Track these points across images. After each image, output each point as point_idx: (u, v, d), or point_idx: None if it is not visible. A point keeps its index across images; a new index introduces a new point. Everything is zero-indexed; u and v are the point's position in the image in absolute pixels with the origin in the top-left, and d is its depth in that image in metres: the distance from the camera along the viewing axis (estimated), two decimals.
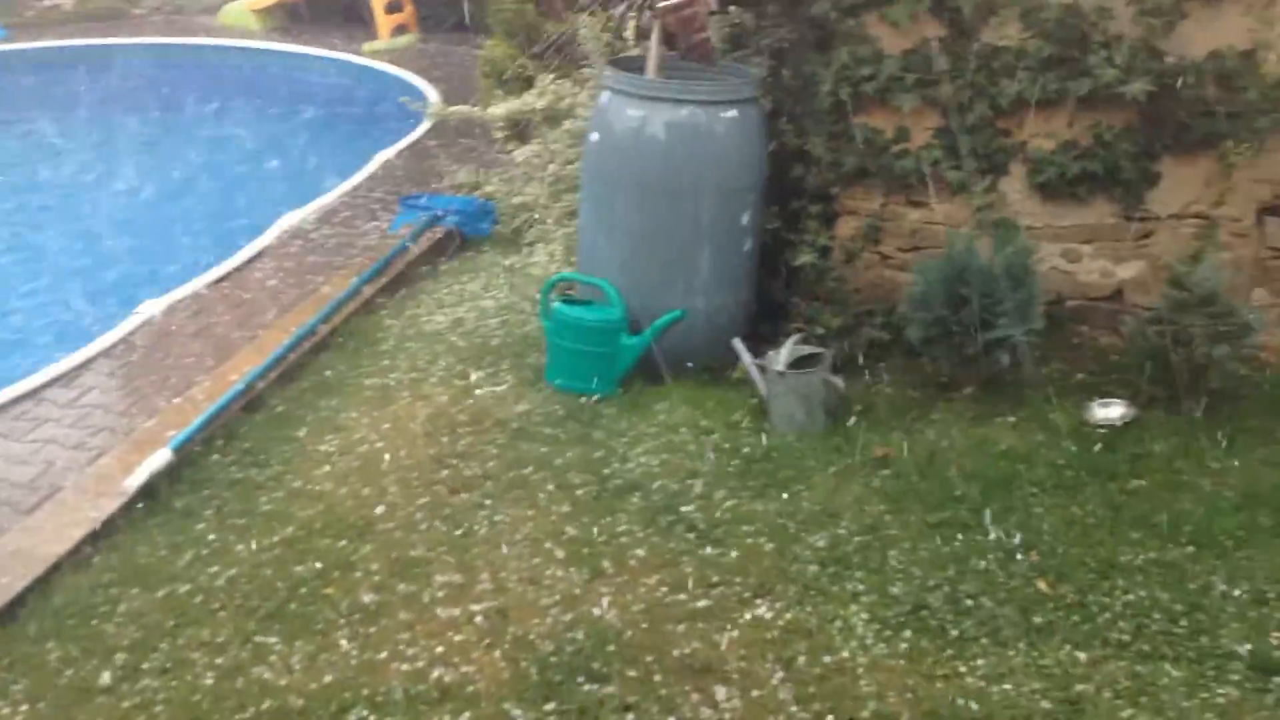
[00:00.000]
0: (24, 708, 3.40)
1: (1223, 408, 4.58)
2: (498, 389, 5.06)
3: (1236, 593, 3.63)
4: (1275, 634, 3.44)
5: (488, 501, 4.27)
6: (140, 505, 4.32)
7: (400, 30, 12.56)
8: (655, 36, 5.14)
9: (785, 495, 4.23)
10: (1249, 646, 3.39)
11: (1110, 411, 4.61)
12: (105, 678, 3.49)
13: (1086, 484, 4.23)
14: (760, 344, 4.97)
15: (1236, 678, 3.31)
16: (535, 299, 5.54)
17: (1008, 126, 4.95)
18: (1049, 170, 4.96)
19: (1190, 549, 3.86)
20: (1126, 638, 3.49)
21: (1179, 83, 4.70)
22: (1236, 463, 4.29)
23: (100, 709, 3.39)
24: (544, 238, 6.36)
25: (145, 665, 3.54)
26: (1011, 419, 4.66)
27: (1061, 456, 4.40)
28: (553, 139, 6.74)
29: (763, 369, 4.77)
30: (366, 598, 3.78)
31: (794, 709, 3.28)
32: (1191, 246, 4.95)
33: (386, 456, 4.58)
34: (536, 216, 6.56)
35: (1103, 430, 4.54)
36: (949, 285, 4.68)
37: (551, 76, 7.25)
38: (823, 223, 5.19)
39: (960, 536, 3.97)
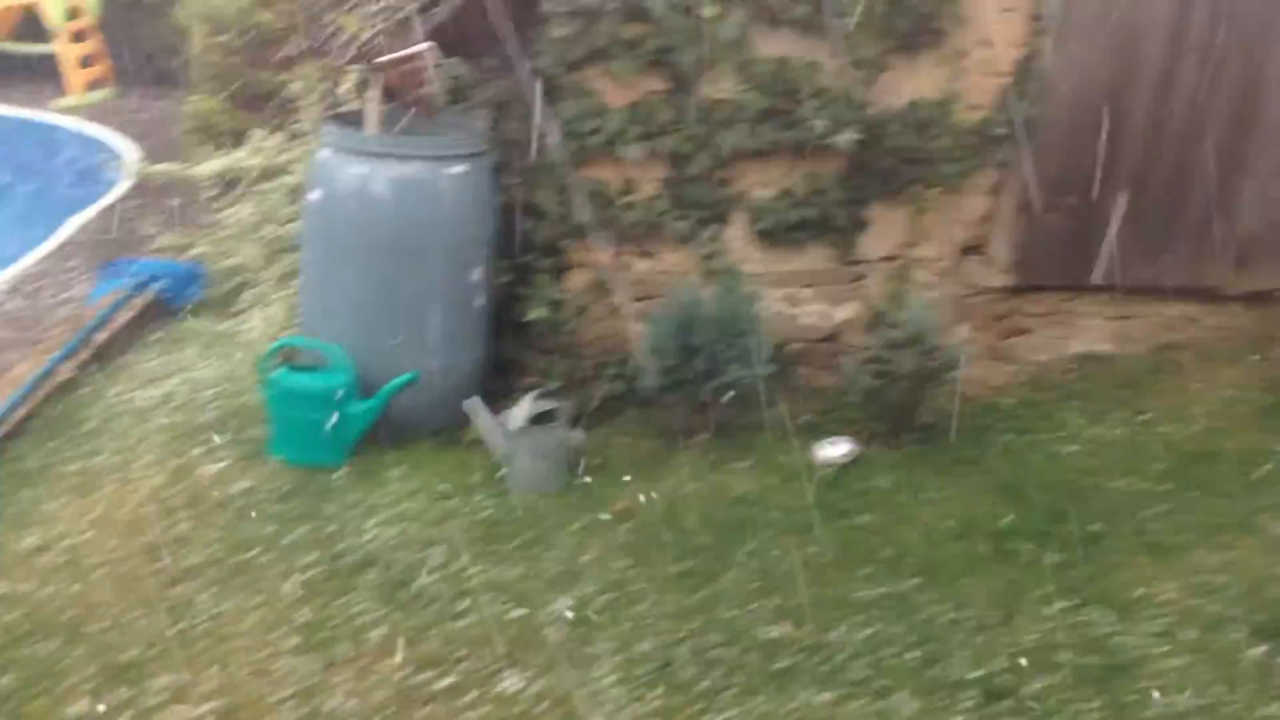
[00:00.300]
0: None
1: (937, 440, 4.83)
2: (217, 466, 4.75)
3: (963, 620, 3.79)
4: (1000, 659, 3.61)
5: (211, 590, 3.99)
6: None
7: (95, 85, 11.82)
8: (375, 91, 5.01)
9: (528, 557, 4.16)
10: (979, 673, 3.55)
11: (836, 450, 4.78)
12: None
13: (817, 523, 4.34)
14: (496, 402, 4.88)
15: (969, 704, 3.45)
16: (254, 367, 5.27)
17: (729, 176, 5.08)
18: (768, 218, 5.12)
19: (917, 580, 4.02)
20: (866, 674, 3.59)
21: (881, 131, 4.96)
22: (952, 492, 4.51)
23: None
24: (260, 301, 6.08)
25: None
26: (745, 463, 4.75)
27: (794, 498, 4.51)
28: (267, 197, 6.47)
29: (500, 428, 4.69)
30: (78, 708, 3.45)
31: None
32: (899, 287, 5.23)
33: (95, 549, 4.21)
34: (251, 279, 6.26)
35: (830, 469, 4.69)
36: (679, 335, 4.75)
37: (264, 132, 6.97)
38: (554, 276, 5.16)
39: (704, 586, 4.00)
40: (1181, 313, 5.47)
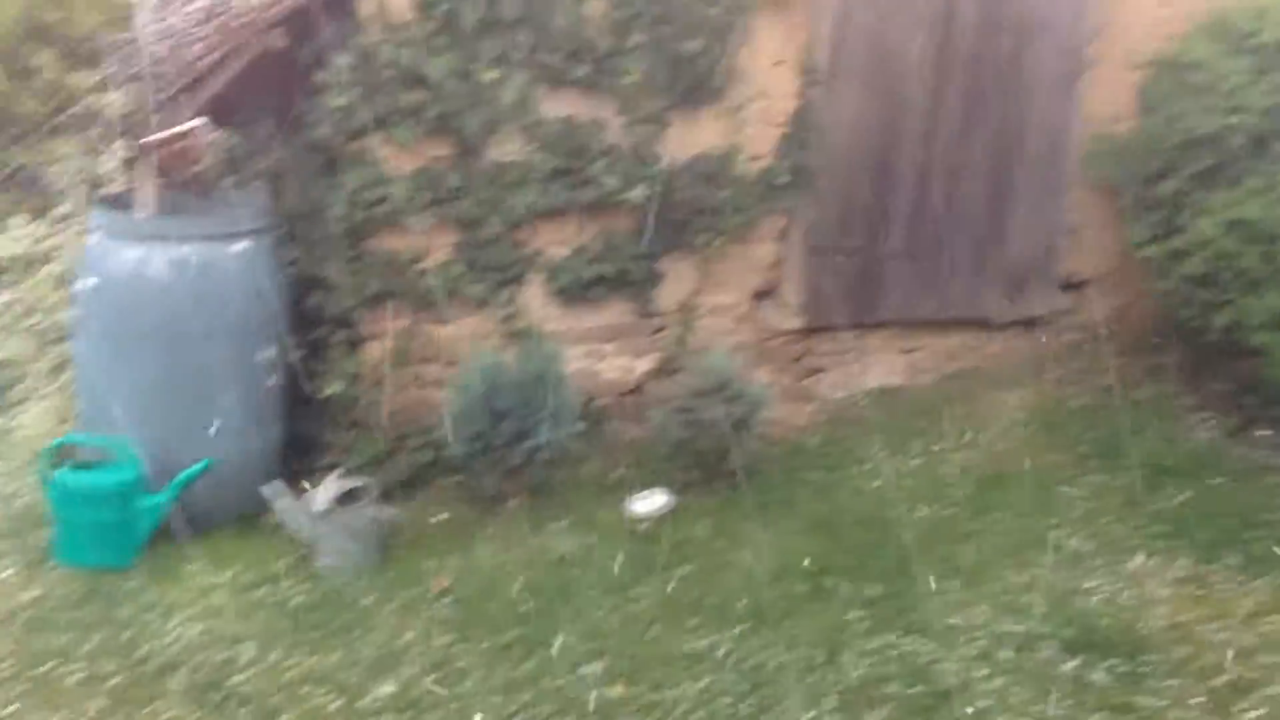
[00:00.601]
0: None
1: (749, 483, 4.86)
2: None
3: (791, 663, 3.82)
4: (830, 698, 3.65)
5: (9, 709, 3.70)
6: None
7: None
8: (146, 171, 4.78)
9: (345, 644, 3.99)
10: (811, 714, 3.57)
11: (651, 503, 4.77)
12: None
13: (640, 579, 4.33)
14: (299, 482, 4.69)
15: None
16: (31, 467, 4.91)
17: (523, 237, 5.06)
18: (565, 276, 5.12)
19: (743, 627, 4.02)
20: None
21: (669, 185, 5.04)
22: (768, 535, 4.56)
23: None
24: (32, 396, 5.72)
25: None
26: (563, 524, 4.70)
27: (613, 555, 4.48)
28: (31, 287, 6.11)
29: (304, 510, 4.50)
30: None
31: None
32: (698, 337, 5.31)
33: None
34: (21, 374, 5.88)
35: (647, 522, 4.68)
36: (484, 400, 4.68)
37: (23, 218, 6.58)
38: (349, 349, 5.01)
39: (531, 655, 3.91)
40: (963, 342, 5.74)
